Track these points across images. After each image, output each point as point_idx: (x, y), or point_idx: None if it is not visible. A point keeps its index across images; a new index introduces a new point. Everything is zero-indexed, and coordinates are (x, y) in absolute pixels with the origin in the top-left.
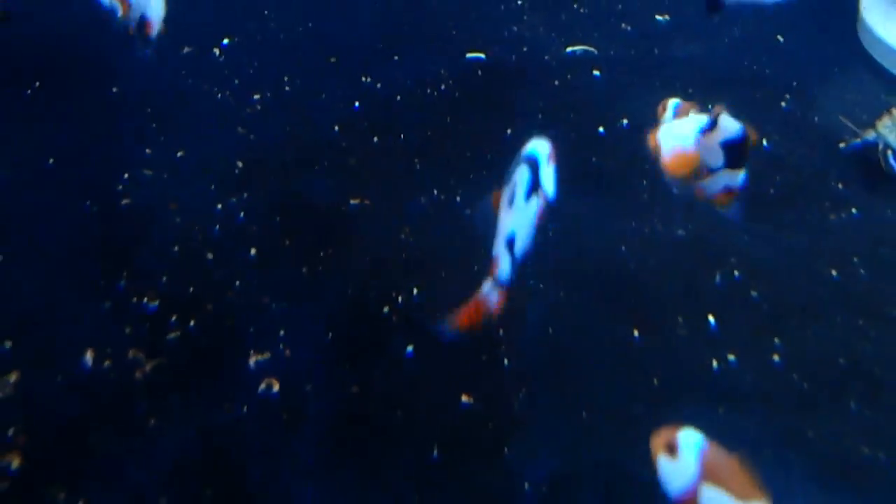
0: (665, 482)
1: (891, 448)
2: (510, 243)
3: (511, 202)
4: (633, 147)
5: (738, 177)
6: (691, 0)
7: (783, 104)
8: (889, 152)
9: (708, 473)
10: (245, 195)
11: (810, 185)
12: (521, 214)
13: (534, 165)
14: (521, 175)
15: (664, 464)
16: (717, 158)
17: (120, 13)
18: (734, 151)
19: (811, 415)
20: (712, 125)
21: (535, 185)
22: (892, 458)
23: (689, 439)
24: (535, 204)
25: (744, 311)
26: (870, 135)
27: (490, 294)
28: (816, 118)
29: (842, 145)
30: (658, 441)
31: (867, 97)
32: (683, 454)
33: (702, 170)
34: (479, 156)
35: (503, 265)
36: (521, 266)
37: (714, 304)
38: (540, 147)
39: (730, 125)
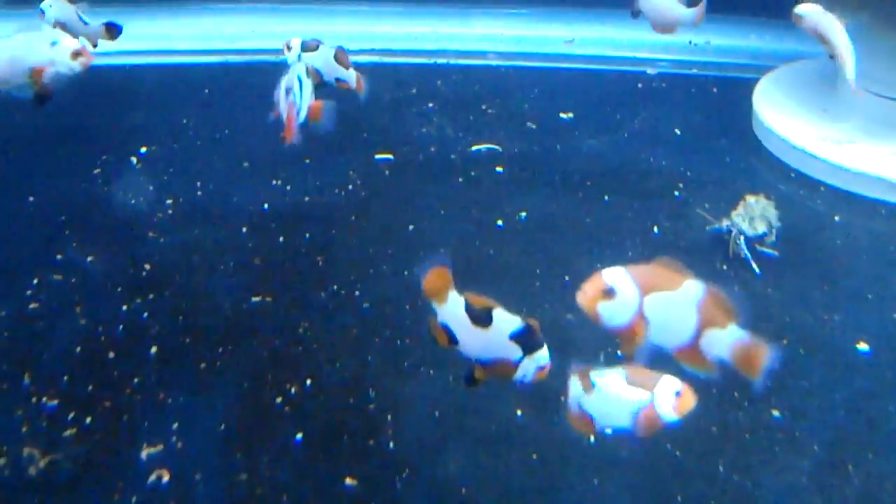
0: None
1: None
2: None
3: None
4: (528, 239)
5: (544, 358)
6: (594, 98)
7: (676, 192)
8: (740, 238)
9: (646, 288)
10: (151, 296)
11: (696, 266)
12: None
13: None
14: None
15: (605, 309)
16: (514, 352)
17: None
18: (526, 339)
19: (683, 480)
20: (487, 321)
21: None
22: None
23: (617, 275)
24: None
25: None
26: (724, 223)
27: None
28: (707, 205)
29: (707, 228)
30: (588, 298)
31: (755, 183)
32: (621, 290)
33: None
34: (381, 251)
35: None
36: None
37: None
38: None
39: (507, 320)
